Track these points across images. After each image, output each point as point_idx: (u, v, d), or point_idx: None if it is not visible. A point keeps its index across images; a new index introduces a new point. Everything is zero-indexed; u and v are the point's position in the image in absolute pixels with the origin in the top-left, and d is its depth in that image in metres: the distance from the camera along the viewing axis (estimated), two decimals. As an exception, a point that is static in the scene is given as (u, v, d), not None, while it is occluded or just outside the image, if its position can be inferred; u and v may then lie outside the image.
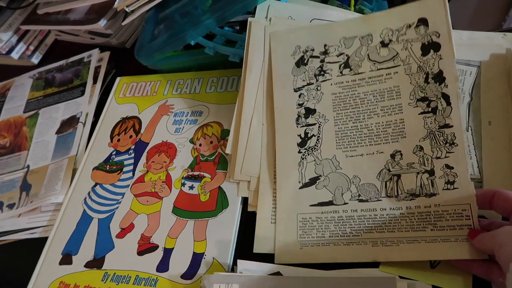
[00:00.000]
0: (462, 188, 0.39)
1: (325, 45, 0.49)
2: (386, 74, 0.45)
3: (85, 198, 0.55)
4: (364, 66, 0.46)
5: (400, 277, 0.38)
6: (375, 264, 0.40)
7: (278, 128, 0.48)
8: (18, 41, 0.80)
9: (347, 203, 0.43)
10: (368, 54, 0.47)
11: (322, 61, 0.49)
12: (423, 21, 0.45)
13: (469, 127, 0.46)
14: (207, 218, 0.48)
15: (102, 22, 0.69)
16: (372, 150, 0.44)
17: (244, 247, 0.45)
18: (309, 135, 0.46)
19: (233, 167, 0.49)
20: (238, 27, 0.64)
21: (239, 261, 0.42)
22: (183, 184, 0.52)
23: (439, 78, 0.43)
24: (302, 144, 0.46)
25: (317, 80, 0.48)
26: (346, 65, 0.47)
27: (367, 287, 0.37)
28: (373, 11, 0.56)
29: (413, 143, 0.42)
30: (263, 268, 0.42)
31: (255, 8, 0.55)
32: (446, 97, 0.42)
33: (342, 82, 0.47)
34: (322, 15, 0.53)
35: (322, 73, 0.48)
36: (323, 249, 0.41)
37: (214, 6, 0.54)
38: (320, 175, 0.45)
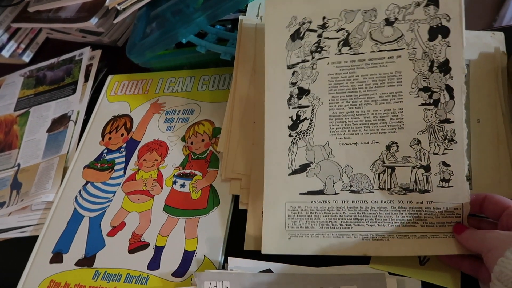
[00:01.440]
0: (457, 187, 0.38)
1: (324, 18, 0.44)
2: (388, 57, 0.41)
3: (76, 196, 0.54)
4: (365, 45, 0.42)
5: (390, 273, 0.39)
6: (365, 261, 0.40)
7: (268, 109, 0.44)
8: (9, 39, 0.79)
9: (338, 193, 0.41)
10: (370, 33, 0.42)
11: (320, 35, 0.44)
12: (433, 0, 0.40)
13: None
14: (198, 216, 0.48)
15: (94, 20, 0.69)
16: (367, 139, 0.41)
17: (235, 245, 0.45)
18: (301, 118, 0.43)
19: (224, 165, 0.49)
20: (229, 26, 0.64)
21: (230, 259, 0.43)
22: (174, 182, 0.51)
23: (445, 68, 0.39)
24: (293, 127, 0.43)
25: (313, 58, 0.43)
26: (346, 42, 0.43)
27: (357, 283, 0.38)
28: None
29: (410, 136, 0.40)
30: (253, 265, 0.42)
31: (246, 6, 0.56)
32: (450, 90, 0.39)
33: (340, 62, 0.43)
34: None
35: (319, 49, 0.43)
36: (312, 241, 0.41)
37: (205, 4, 0.54)
38: (311, 162, 0.42)
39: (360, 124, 0.42)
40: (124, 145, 0.57)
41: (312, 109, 0.43)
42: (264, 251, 0.41)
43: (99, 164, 0.57)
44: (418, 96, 0.40)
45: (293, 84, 0.44)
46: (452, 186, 0.38)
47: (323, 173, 0.42)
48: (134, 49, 0.61)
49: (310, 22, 0.44)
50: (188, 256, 0.45)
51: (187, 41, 0.58)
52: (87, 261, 0.49)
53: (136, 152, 0.56)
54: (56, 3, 0.72)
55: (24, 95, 0.72)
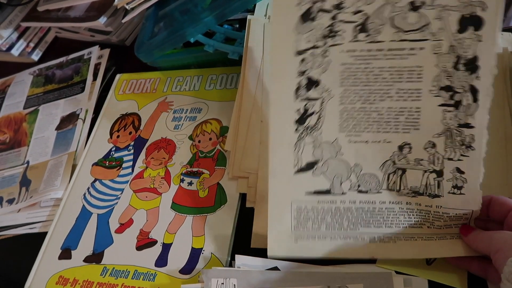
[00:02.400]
0: (469, 195, 0.36)
1: None
2: (410, 49, 0.36)
3: (85, 193, 0.55)
4: (385, 33, 0.36)
5: (397, 272, 0.39)
6: (372, 260, 0.40)
7: (274, 100, 0.39)
8: (19, 38, 0.80)
9: (345, 193, 0.40)
10: (392, 18, 0.36)
11: (334, 18, 0.37)
12: None
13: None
14: (206, 214, 0.48)
15: (102, 20, 0.70)
16: (379, 138, 0.38)
17: (242, 243, 0.45)
18: (309, 112, 0.39)
19: (232, 164, 0.49)
20: (237, 25, 0.64)
21: (237, 256, 0.43)
22: (182, 180, 0.52)
23: (472, 66, 0.35)
24: (300, 121, 0.39)
25: (325, 44, 0.37)
26: (363, 28, 0.36)
27: (363, 282, 0.38)
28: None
29: (426, 138, 0.37)
30: (260, 263, 0.42)
31: (255, 5, 0.56)
32: (474, 91, 0.35)
33: (355, 50, 0.37)
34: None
35: (332, 34, 0.37)
36: (319, 243, 0.40)
37: (213, 4, 0.54)
38: (319, 160, 0.40)
39: (372, 121, 0.38)
40: (132, 143, 0.58)
41: (322, 102, 0.39)
42: (270, 255, 0.41)
43: (107, 162, 0.57)
44: (439, 96, 0.36)
45: (302, 73, 0.38)
46: (464, 194, 0.37)
47: (330, 172, 0.40)
48: (142, 48, 0.61)
49: (323, 1, 0.37)
50: (195, 254, 0.46)
51: (195, 40, 0.58)
52: (95, 258, 0.49)
53: (144, 150, 0.56)
54: (65, 3, 0.73)
55: (33, 93, 0.73)
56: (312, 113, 0.39)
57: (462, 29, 0.35)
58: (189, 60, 0.64)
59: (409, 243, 0.39)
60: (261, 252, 0.43)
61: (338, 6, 0.36)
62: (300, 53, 0.38)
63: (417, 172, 0.38)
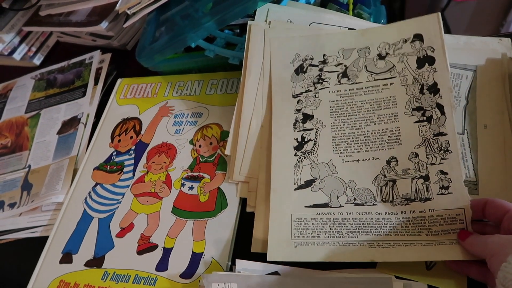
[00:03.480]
0: (457, 193, 0.40)
1: (324, 55, 0.50)
2: (383, 85, 0.47)
3: (86, 197, 0.55)
4: (362, 76, 0.48)
5: (397, 277, 0.39)
6: (372, 265, 0.41)
7: (275, 131, 0.48)
8: (20, 42, 0.81)
9: (342, 206, 0.43)
10: (365, 65, 0.48)
11: (321, 70, 0.50)
12: (418, 37, 0.47)
13: (465, 130, 0.46)
14: (206, 218, 0.48)
15: (104, 24, 0.70)
16: (368, 156, 0.44)
17: (243, 247, 0.45)
18: (305, 139, 0.47)
19: (232, 168, 0.49)
20: (238, 30, 0.64)
21: (238, 261, 0.43)
22: (182, 185, 0.52)
23: (434, 89, 0.44)
24: (298, 147, 0.47)
25: (315, 88, 0.49)
26: (344, 74, 0.49)
27: (363, 287, 0.38)
28: (371, 15, 0.57)
29: (408, 150, 0.43)
30: (261, 267, 0.42)
31: (255, 11, 0.56)
32: (440, 107, 0.43)
33: (340, 91, 0.48)
34: (321, 19, 0.53)
35: (320, 81, 0.49)
36: (318, 249, 0.41)
37: (214, 9, 0.55)
38: (316, 178, 0.45)
39: (361, 143, 0.45)
40: (133, 147, 0.58)
41: (316, 131, 0.47)
42: (269, 258, 0.42)
43: (108, 166, 0.57)
44: (413, 115, 0.44)
45: (298, 110, 0.49)
46: (452, 193, 0.40)
47: (327, 187, 0.45)
48: (143, 53, 0.62)
49: (312, 59, 0.50)
50: (196, 258, 0.46)
51: (196, 45, 0.59)
52: (96, 262, 0.49)
53: (145, 154, 0.57)
54: (67, 7, 0.73)
55: (35, 97, 0.73)
56: (309, 140, 0.47)
57: (420, 66, 0.46)
58: (190, 64, 0.64)
59: (408, 248, 0.39)
60: (262, 257, 0.43)
61: (324, 62, 0.50)
62: (296, 96, 0.50)
63: (406, 180, 0.42)
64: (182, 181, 0.52)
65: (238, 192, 0.49)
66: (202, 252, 0.46)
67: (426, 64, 0.46)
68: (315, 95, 0.49)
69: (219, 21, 0.54)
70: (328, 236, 0.42)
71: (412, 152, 0.43)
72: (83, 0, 0.71)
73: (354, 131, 0.46)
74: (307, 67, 0.50)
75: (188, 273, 0.45)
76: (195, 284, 0.44)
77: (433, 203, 0.40)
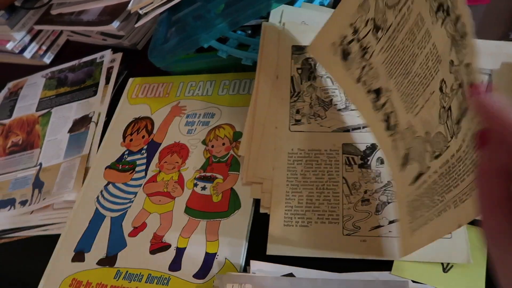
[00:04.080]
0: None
1: (350, 25, 0.45)
2: (407, 9, 0.39)
3: (98, 196, 0.55)
4: (389, 17, 0.41)
5: (413, 281, 0.39)
6: (387, 267, 0.41)
7: (366, 122, 0.47)
8: (31, 40, 0.81)
9: (429, 167, 0.37)
10: (386, 3, 0.41)
11: (358, 39, 0.45)
12: None
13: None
14: (220, 219, 0.48)
15: (115, 24, 0.70)
16: (427, 95, 0.37)
17: (256, 248, 0.45)
18: (390, 115, 0.43)
19: (246, 169, 0.50)
20: (250, 31, 0.65)
21: (252, 262, 0.43)
22: (195, 185, 0.52)
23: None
24: (388, 127, 0.43)
25: (367, 60, 0.45)
26: (376, 27, 0.42)
27: (379, 289, 0.38)
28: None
29: (446, 63, 0.34)
30: (276, 269, 0.42)
31: (268, 12, 0.56)
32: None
33: (383, 47, 0.42)
34: (335, 21, 0.53)
35: (365, 50, 0.45)
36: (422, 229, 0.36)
37: (227, 11, 0.55)
38: (408, 153, 0.40)
39: (417, 85, 0.39)
40: (145, 147, 0.58)
41: (391, 102, 0.43)
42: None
43: (120, 165, 0.58)
44: (437, 19, 0.35)
45: (368, 91, 0.45)
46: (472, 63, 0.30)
47: (415, 154, 0.39)
48: (155, 53, 0.62)
49: (345, 37, 0.46)
50: (209, 258, 0.46)
51: (207, 46, 0.59)
52: (108, 261, 0.49)
53: (157, 154, 0.57)
54: (78, 7, 0.73)
55: (45, 95, 0.73)
56: (391, 112, 0.43)
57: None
58: (201, 65, 0.64)
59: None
60: (276, 258, 0.43)
61: (355, 31, 0.45)
62: (359, 79, 0.46)
63: (456, 96, 0.33)
64: (195, 181, 0.52)
65: (252, 193, 0.49)
66: (216, 253, 0.46)
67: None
68: (370, 67, 0.44)
69: (232, 23, 0.54)
70: (427, 208, 0.36)
71: (449, 62, 0.34)
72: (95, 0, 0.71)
73: (409, 77, 0.40)
74: (347, 47, 0.46)
75: (201, 273, 0.45)
76: (209, 284, 0.44)
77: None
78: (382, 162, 0.47)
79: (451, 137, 0.34)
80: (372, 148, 0.48)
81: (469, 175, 0.30)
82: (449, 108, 0.34)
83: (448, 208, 0.33)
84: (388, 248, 0.42)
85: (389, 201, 0.45)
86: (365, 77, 0.45)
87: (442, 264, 0.40)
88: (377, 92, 0.44)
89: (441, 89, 0.36)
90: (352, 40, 0.46)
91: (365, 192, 0.46)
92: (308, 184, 0.47)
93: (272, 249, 0.44)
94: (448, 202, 0.33)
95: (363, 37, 0.44)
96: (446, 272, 0.39)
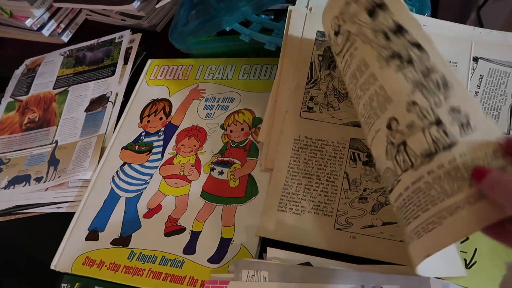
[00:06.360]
0: (482, 126, 0.31)
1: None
2: (349, 56, 0.40)
3: (113, 176, 0.55)
4: (337, 62, 0.43)
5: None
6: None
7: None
8: (50, 18, 0.80)
9: (388, 199, 0.37)
10: (334, 51, 0.43)
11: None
12: None
13: (511, 130, 0.45)
14: (236, 204, 0.48)
15: (136, 4, 0.69)
16: (372, 134, 0.38)
17: (273, 236, 0.45)
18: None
19: (264, 155, 0.49)
20: (273, 16, 0.63)
21: (269, 249, 0.42)
22: (212, 169, 0.51)
23: (400, 30, 0.37)
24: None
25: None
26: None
27: (400, 283, 0.37)
28: (414, 7, 0.55)
29: (403, 103, 0.35)
30: (292, 257, 0.42)
31: (294, -3, 0.55)
32: (416, 45, 0.36)
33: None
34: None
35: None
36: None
37: (252, -7, 0.53)
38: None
39: (364, 124, 0.39)
40: (163, 129, 0.57)
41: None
42: (277, 237, 0.42)
43: (137, 146, 0.57)
44: (389, 66, 0.36)
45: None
46: (477, 128, 0.31)
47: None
48: (176, 34, 0.61)
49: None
50: (224, 243, 0.45)
51: (229, 29, 0.57)
52: (122, 241, 0.49)
53: (175, 136, 0.56)
54: (99, -16, 0.73)
55: (63, 74, 0.73)
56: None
57: (372, 15, 0.38)
58: (222, 48, 0.63)
59: (454, 220, 0.30)
60: (293, 246, 0.43)
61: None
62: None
63: (417, 135, 0.33)
64: (212, 166, 0.52)
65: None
66: (231, 238, 0.45)
67: (379, 11, 0.38)
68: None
69: (256, 6, 0.53)
70: None
71: (408, 102, 0.34)
72: (116, -22, 0.70)
73: (359, 117, 0.40)
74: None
75: (216, 258, 0.45)
76: (223, 269, 0.44)
77: (461, 147, 0.31)
78: None
79: (404, 171, 0.34)
80: None
81: (436, 204, 0.31)
82: (403, 145, 0.34)
83: (411, 240, 0.33)
84: (376, 249, 0.42)
85: (387, 203, 0.44)
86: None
87: (465, 259, 0.39)
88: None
89: (389, 127, 0.36)
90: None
91: (364, 190, 0.45)
92: (309, 173, 0.47)
93: (261, 231, 0.45)
94: (410, 233, 0.33)
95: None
96: (469, 268, 0.38)
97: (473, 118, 0.32)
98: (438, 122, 0.32)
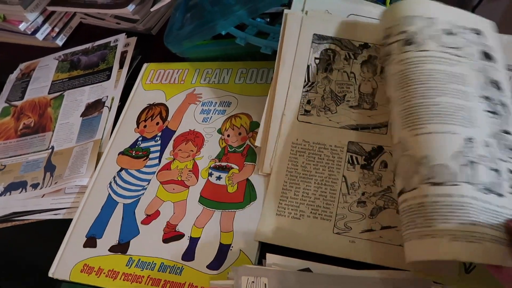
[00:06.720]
0: None
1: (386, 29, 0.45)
2: (455, 59, 0.41)
3: (110, 182, 0.55)
4: (430, 44, 0.41)
5: (434, 282, 0.38)
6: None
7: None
8: (44, 22, 0.80)
9: (416, 188, 0.37)
10: (431, 35, 0.42)
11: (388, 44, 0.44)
12: (478, 31, 0.44)
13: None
14: (235, 210, 0.48)
15: (131, 7, 0.69)
16: (444, 129, 0.38)
17: (272, 241, 0.45)
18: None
19: (262, 160, 0.49)
20: (268, 19, 0.63)
21: (268, 255, 0.42)
22: (210, 174, 0.51)
23: (497, 85, 0.41)
24: None
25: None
26: (409, 41, 0.42)
27: (399, 288, 0.37)
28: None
29: (483, 136, 0.38)
30: (292, 263, 0.41)
31: (290, 0, 0.55)
32: (504, 105, 0.40)
33: (404, 59, 0.42)
34: (360, 10, 0.52)
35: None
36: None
37: (246, -3, 0.53)
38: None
39: (433, 114, 0.38)
40: (159, 133, 0.57)
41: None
42: (276, 242, 0.43)
43: (134, 152, 0.57)
44: (482, 102, 0.40)
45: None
46: None
47: (399, 171, 0.39)
48: (171, 38, 0.61)
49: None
50: (223, 249, 0.45)
51: (225, 33, 0.57)
52: (121, 248, 0.49)
53: (172, 141, 0.56)
54: (93, -12, 0.72)
55: (58, 78, 0.72)
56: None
57: (483, 58, 0.42)
58: (218, 52, 0.63)
59: (493, 246, 0.33)
60: (293, 252, 0.43)
61: (387, 36, 0.45)
62: None
63: (484, 167, 0.36)
64: (210, 171, 0.52)
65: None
66: (230, 244, 0.45)
67: (488, 59, 0.42)
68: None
69: (252, 10, 0.52)
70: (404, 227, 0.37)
71: (485, 140, 0.38)
72: (110, -19, 0.70)
73: (424, 100, 0.39)
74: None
75: (215, 264, 0.44)
76: (223, 275, 0.44)
77: (505, 201, 0.35)
78: (386, 165, 0.46)
79: (466, 182, 0.36)
80: (378, 150, 0.47)
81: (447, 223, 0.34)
82: (474, 164, 0.37)
83: (437, 237, 0.34)
84: (375, 253, 0.42)
85: (386, 206, 0.44)
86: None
87: (464, 264, 0.39)
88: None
89: (466, 141, 0.38)
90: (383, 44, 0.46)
91: (363, 194, 0.45)
92: (307, 177, 0.47)
93: (260, 236, 0.45)
94: (440, 231, 0.34)
95: (390, 43, 0.44)
96: (468, 273, 0.38)
97: None
98: (498, 172, 0.37)
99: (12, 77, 0.77)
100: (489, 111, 0.39)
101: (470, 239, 0.33)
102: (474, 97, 0.39)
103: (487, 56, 0.42)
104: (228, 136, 0.54)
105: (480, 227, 0.33)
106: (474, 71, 0.41)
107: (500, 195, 0.36)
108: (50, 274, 0.49)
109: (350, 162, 0.47)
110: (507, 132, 0.39)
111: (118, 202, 0.52)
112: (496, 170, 0.37)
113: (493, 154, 0.37)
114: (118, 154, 0.57)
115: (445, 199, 0.35)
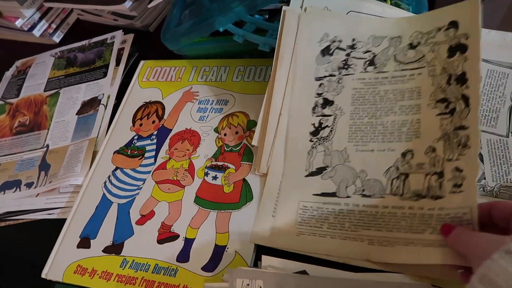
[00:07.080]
0: (468, 191, 0.36)
1: (353, 39, 0.49)
2: (410, 75, 0.45)
3: (105, 181, 0.54)
4: (389, 65, 0.46)
5: (433, 285, 0.37)
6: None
7: (293, 115, 0.47)
8: (41, 18, 0.79)
9: (350, 197, 0.42)
10: (395, 55, 0.46)
11: (348, 55, 0.48)
12: (453, 24, 0.44)
13: (510, 133, 0.44)
14: (231, 210, 0.47)
15: (128, 4, 0.68)
16: (383, 147, 0.43)
17: (268, 243, 0.44)
18: (323, 126, 0.47)
19: (259, 160, 0.48)
20: (267, 16, 0.62)
21: (264, 257, 0.41)
22: (206, 174, 0.50)
23: (462, 79, 0.41)
24: (314, 133, 0.47)
25: (339, 73, 0.48)
26: (371, 62, 0.47)
27: (397, 292, 0.36)
28: (411, 6, 0.54)
29: (426, 144, 0.41)
30: (288, 265, 0.41)
31: (289, -4, 0.54)
32: (465, 99, 0.40)
33: (365, 79, 0.47)
34: (360, 7, 0.51)
35: (346, 66, 0.48)
36: (319, 240, 0.41)
37: (245, -7, 0.52)
38: (328, 166, 0.45)
39: (378, 133, 0.44)
40: (155, 132, 0.56)
41: (334, 118, 0.46)
42: (271, 244, 0.42)
43: (129, 151, 0.56)
44: (436, 107, 0.42)
45: (319, 94, 0.48)
46: (463, 191, 0.37)
47: (338, 176, 0.44)
48: (168, 35, 0.60)
49: (340, 41, 0.49)
50: (218, 251, 0.44)
51: (223, 30, 0.56)
52: (115, 248, 0.48)
53: (168, 140, 0.55)
54: (90, -16, 0.71)
55: (54, 75, 0.72)
56: (325, 127, 0.47)
57: (450, 55, 0.43)
58: (215, 49, 0.62)
59: (407, 249, 0.37)
60: (289, 254, 0.42)
61: (352, 47, 0.49)
62: (318, 79, 0.49)
63: (419, 175, 0.40)
64: (206, 170, 0.51)
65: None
66: (226, 245, 0.44)
67: (458, 53, 0.42)
68: (338, 81, 0.48)
69: (250, 6, 0.52)
70: (330, 228, 0.42)
71: (429, 146, 0.41)
72: (107, -23, 0.69)
73: (373, 120, 0.44)
74: (334, 50, 0.49)
75: (210, 266, 0.44)
76: (218, 278, 0.43)
77: (444, 202, 0.37)
78: None
79: (392, 194, 0.41)
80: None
81: (399, 232, 0.39)
82: (406, 175, 0.41)
83: (359, 240, 0.40)
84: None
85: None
86: (326, 83, 0.49)
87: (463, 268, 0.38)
88: (328, 102, 0.48)
89: (403, 155, 0.42)
90: (342, 49, 0.49)
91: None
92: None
93: (255, 238, 0.44)
94: (362, 236, 0.40)
95: (353, 57, 0.48)
96: (469, 277, 0.37)
97: (466, 182, 0.37)
98: (441, 175, 0.39)
99: (8, 74, 0.77)
100: (442, 113, 0.41)
101: (382, 243, 0.38)
102: (426, 106, 0.42)
103: (457, 49, 0.42)
104: (225, 135, 0.53)
105: (395, 232, 0.39)
106: (433, 76, 0.43)
107: (437, 197, 0.38)
108: (43, 275, 0.48)
109: None
110: (461, 128, 0.39)
111: (113, 202, 0.52)
112: (437, 173, 0.39)
113: (437, 158, 0.40)
114: (114, 153, 0.56)
115: (371, 210, 0.41)
